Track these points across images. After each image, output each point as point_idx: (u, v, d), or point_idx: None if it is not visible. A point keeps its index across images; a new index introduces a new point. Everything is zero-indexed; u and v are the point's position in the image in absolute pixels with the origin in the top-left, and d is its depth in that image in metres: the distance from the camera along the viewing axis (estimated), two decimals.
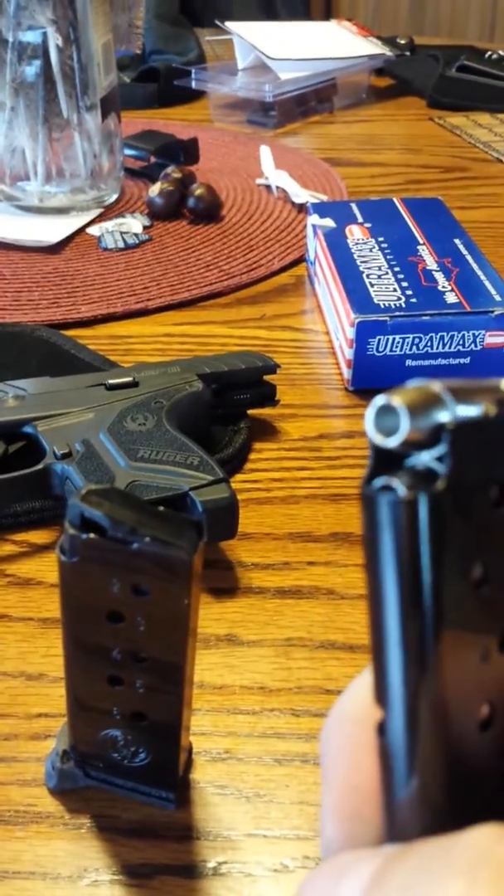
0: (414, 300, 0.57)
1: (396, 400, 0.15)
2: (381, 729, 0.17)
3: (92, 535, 0.25)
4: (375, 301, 0.57)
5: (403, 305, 0.56)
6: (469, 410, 0.16)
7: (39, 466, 0.44)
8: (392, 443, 0.16)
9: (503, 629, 0.17)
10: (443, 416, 0.15)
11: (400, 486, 0.15)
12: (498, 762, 0.17)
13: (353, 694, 0.19)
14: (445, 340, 0.56)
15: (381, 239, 0.66)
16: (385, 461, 0.16)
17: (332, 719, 0.19)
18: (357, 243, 0.65)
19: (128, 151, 0.90)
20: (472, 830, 0.15)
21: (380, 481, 0.16)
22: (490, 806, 0.17)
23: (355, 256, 0.63)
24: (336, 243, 0.66)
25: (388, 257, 0.63)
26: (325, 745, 0.19)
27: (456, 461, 0.15)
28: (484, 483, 0.16)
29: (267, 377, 0.53)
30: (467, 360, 0.57)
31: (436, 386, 0.16)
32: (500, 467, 0.16)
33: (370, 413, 0.16)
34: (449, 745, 0.16)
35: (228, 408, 0.52)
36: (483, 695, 0.17)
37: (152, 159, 0.92)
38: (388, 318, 0.55)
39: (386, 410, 0.15)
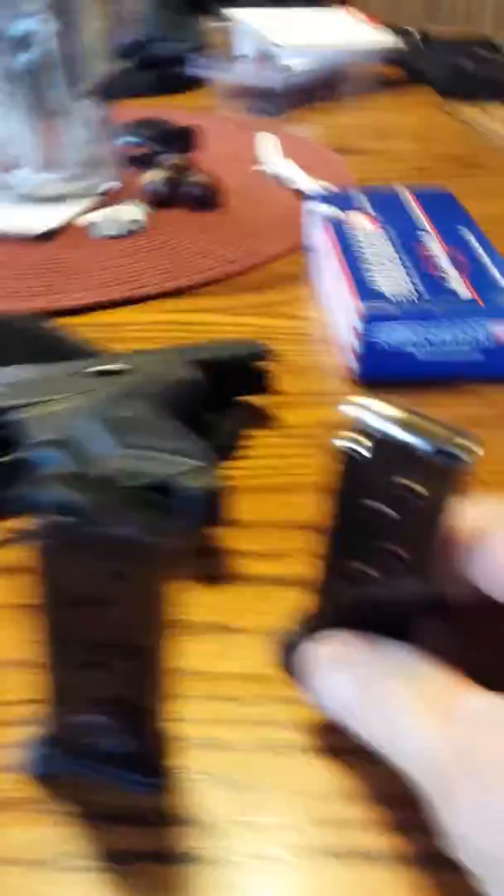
0: (423, 291, 0.56)
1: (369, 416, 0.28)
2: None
3: (65, 520, 0.25)
4: (383, 292, 0.56)
5: (412, 297, 0.55)
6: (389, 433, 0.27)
7: (23, 454, 0.44)
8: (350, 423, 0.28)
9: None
10: (377, 430, 0.27)
11: (349, 442, 0.28)
12: None
13: None
14: (455, 333, 0.55)
15: (388, 228, 0.65)
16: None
17: None
18: (364, 233, 0.64)
19: (125, 139, 0.90)
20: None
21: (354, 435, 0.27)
22: None
23: (362, 246, 0.62)
24: (342, 232, 0.64)
25: (396, 247, 0.62)
26: None
27: (375, 455, 0.27)
28: (387, 476, 0.27)
29: (264, 364, 0.53)
30: (478, 354, 0.55)
31: (395, 407, 0.28)
32: (399, 472, 0.27)
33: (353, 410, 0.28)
34: None
35: (221, 394, 0.51)
36: None
37: (150, 147, 0.91)
38: (396, 310, 0.54)
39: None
